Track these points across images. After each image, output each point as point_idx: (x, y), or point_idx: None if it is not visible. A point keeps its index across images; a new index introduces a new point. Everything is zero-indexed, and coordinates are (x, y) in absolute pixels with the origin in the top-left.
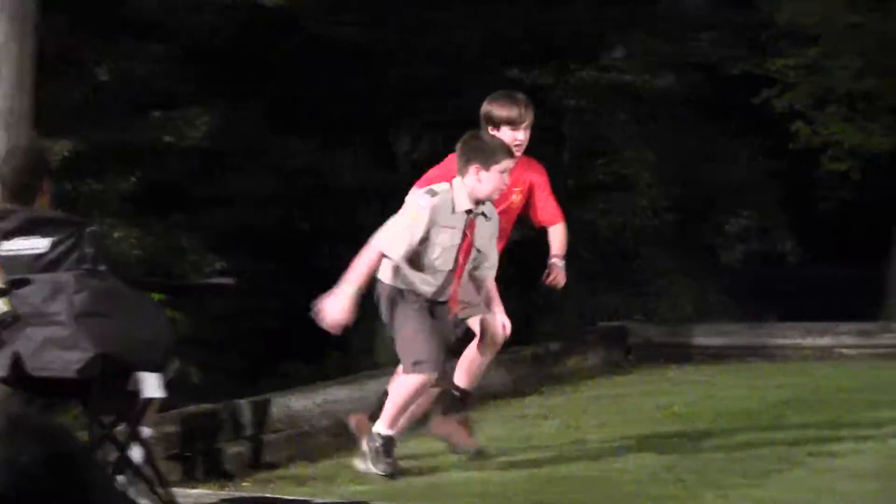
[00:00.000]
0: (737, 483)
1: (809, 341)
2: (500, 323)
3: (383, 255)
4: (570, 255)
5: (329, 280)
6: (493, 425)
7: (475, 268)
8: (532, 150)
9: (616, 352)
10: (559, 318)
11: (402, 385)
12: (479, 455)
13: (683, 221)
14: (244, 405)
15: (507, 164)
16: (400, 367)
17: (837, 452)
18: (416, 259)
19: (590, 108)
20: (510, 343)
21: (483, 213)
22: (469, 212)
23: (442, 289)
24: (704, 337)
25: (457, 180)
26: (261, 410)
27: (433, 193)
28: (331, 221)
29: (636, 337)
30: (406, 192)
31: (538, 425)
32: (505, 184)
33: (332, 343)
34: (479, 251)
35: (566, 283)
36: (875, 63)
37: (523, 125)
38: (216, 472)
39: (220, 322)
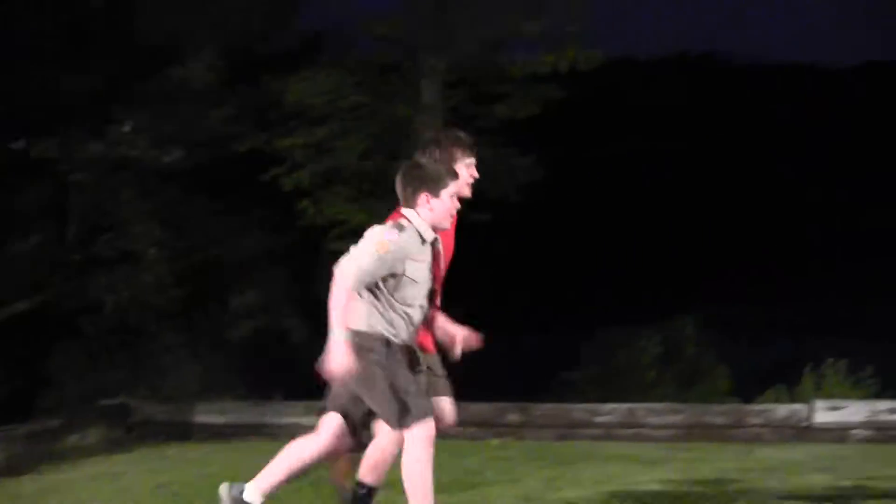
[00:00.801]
0: None
1: (313, 419)
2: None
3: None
4: (73, 331)
5: None
6: None
7: None
8: (33, 223)
9: (117, 430)
10: (59, 395)
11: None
12: None
13: (190, 297)
14: None
15: (454, 186)
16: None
17: None
18: (396, 297)
19: (96, 183)
20: (4, 420)
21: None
22: (434, 242)
23: (417, 327)
24: (206, 415)
25: (410, 213)
26: None
27: (401, 228)
28: None
29: (138, 414)
30: None
31: None
32: (457, 206)
33: None
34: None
35: (69, 360)
36: (380, 144)
37: (475, 162)
38: None
39: None
